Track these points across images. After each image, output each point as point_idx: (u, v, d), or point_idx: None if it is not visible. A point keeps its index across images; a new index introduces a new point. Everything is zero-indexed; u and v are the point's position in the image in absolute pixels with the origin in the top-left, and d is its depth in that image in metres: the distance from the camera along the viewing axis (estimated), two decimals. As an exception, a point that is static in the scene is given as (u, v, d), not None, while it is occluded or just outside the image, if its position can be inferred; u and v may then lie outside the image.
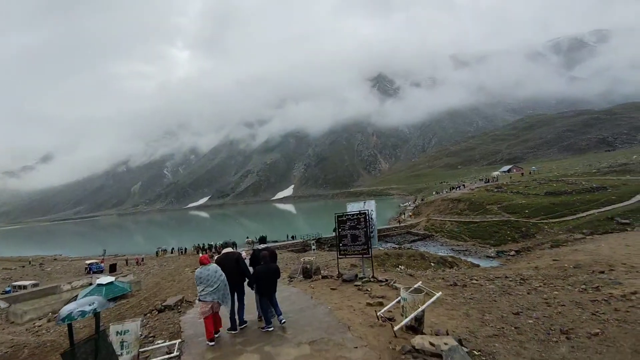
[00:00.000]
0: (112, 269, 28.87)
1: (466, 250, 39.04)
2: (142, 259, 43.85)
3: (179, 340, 5.82)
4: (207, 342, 5.84)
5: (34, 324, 13.35)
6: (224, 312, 6.37)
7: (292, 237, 48.03)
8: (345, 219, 9.93)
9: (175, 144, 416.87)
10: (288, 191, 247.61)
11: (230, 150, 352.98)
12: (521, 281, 9.29)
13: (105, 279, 17.84)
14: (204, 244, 46.41)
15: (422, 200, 75.89)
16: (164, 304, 10.93)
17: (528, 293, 8.09)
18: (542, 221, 39.68)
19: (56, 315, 15.99)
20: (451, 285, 8.58)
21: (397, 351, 4.26)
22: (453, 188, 79.75)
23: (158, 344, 5.99)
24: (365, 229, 9.40)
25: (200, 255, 6.93)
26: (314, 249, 39.39)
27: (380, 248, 40.71)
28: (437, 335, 4.59)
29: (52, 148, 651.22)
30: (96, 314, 3.84)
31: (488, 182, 74.61)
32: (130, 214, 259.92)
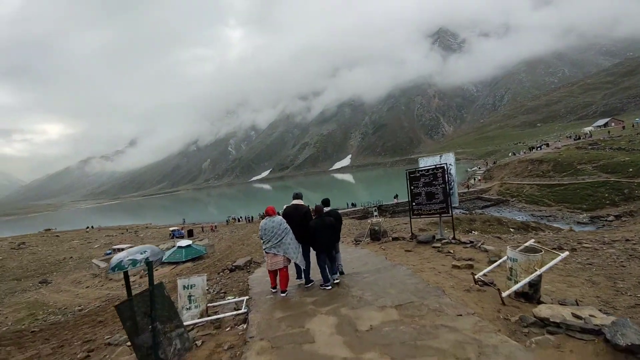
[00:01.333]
0: (190, 234, 31.92)
1: (550, 216, 34.61)
2: (216, 226, 47.87)
3: (247, 297, 5.61)
4: (271, 289, 5.79)
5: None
6: (292, 272, 6.12)
7: (353, 205, 47.76)
8: (418, 175, 8.76)
9: (237, 122, 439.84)
10: (346, 161, 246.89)
11: (287, 124, 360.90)
12: (652, 244, 7.38)
13: (184, 242, 19.63)
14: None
15: (495, 163, 68.89)
16: (234, 264, 11.30)
17: (664, 256, 6.34)
18: (651, 181, 33.09)
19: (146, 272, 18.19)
20: (555, 249, 7.09)
21: (513, 322, 3.33)
22: (533, 148, 70.76)
23: (228, 299, 5.95)
24: (443, 185, 8.18)
25: None
26: (375, 216, 38.58)
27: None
28: (564, 305, 3.53)
29: (136, 134, 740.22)
30: (149, 264, 3.37)
31: (579, 139, 64.34)
32: (204, 188, 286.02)
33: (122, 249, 27.91)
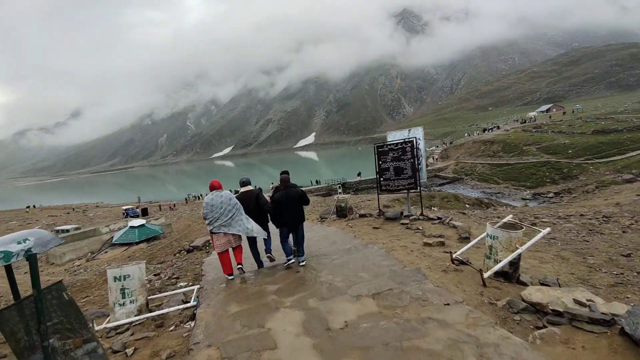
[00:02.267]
0: (144, 213, 29.81)
1: (499, 193, 37.14)
2: (174, 204, 45.54)
3: (197, 286, 4.83)
4: (227, 277, 5.09)
5: (72, 264, 13.73)
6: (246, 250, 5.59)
7: (317, 182, 47.67)
8: (386, 149, 8.41)
9: (195, 95, 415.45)
10: (310, 139, 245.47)
11: (249, 99, 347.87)
12: (604, 219, 7.78)
13: (137, 221, 18.12)
14: (230, 190, 47.08)
15: (451, 143, 72.12)
16: (192, 244, 10.52)
17: (624, 232, 6.70)
18: (586, 162, 36.44)
19: (94, 254, 16.62)
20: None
21: (500, 307, 3.04)
22: (485, 130, 74.83)
23: (180, 286, 5.23)
24: (412, 160, 7.92)
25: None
26: (340, 193, 38.83)
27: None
28: (546, 284, 3.36)
29: (79, 104, 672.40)
30: (30, 258, 2.16)
31: (525, 122, 69.07)
32: (161, 165, 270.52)
33: (67, 230, 25.41)
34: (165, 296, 4.66)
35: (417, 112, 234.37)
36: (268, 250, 5.50)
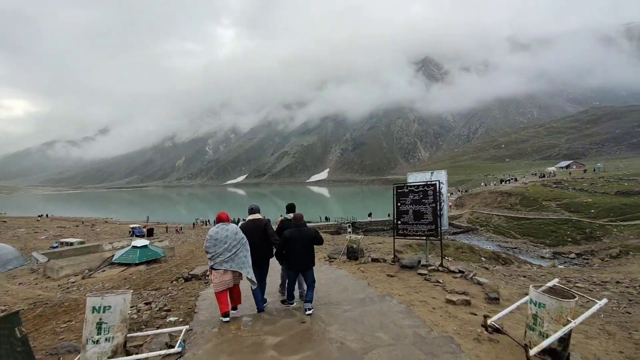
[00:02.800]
0: (150, 234, 29.47)
1: (515, 248, 35.40)
2: (181, 227, 45.30)
3: (186, 327, 4.24)
4: (221, 319, 4.53)
5: (68, 279, 13.31)
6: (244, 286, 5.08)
7: (326, 219, 46.92)
8: (406, 190, 7.95)
9: (218, 122, 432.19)
10: (323, 174, 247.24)
11: (268, 131, 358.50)
12: (644, 288, 6.98)
13: (140, 241, 17.80)
14: (239, 219, 46.81)
15: (466, 191, 70.86)
16: (191, 272, 10.01)
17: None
18: (610, 223, 34.80)
19: (92, 272, 16.19)
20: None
21: None
22: (503, 181, 73.55)
23: (170, 322, 4.73)
24: (433, 205, 7.44)
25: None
26: (349, 232, 37.87)
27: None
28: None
29: (109, 121, 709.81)
30: None
31: (543, 177, 67.75)
32: (175, 187, 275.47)
33: (71, 243, 25.30)
34: (149, 335, 4.11)
35: (433, 157, 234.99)
36: (260, 295, 5.03)
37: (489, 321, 3.72)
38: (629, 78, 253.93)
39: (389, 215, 46.12)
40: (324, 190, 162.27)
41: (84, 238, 32.30)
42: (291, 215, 5.77)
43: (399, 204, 8.02)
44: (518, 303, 3.89)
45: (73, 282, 12.54)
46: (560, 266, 25.54)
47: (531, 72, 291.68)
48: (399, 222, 7.97)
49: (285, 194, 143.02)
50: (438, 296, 5.29)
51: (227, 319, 4.56)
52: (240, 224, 5.01)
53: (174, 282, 9.65)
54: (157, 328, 4.50)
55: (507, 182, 69.37)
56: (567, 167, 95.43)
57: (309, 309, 4.72)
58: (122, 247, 19.21)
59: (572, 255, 31.07)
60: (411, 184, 8.03)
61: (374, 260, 8.77)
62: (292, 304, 5.02)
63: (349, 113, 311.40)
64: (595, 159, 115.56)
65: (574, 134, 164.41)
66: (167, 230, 43.92)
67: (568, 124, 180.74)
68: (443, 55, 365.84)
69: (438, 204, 7.44)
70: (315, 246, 4.91)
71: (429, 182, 7.76)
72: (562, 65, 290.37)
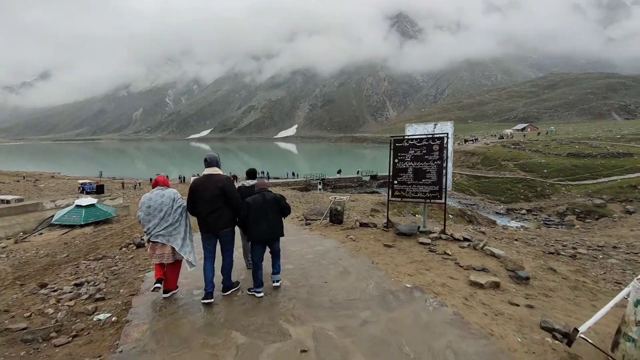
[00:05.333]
0: (99, 191, 26.62)
1: (474, 205, 37.42)
2: (139, 183, 42.69)
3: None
4: (155, 283, 3.72)
5: (-2, 243, 11.68)
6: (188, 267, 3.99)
7: (293, 174, 46.28)
8: (406, 145, 6.80)
9: (178, 72, 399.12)
10: (291, 131, 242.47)
11: (234, 83, 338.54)
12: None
13: (85, 200, 15.95)
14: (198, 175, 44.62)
15: (431, 151, 72.83)
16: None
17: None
18: (559, 182, 37.47)
19: (26, 235, 14.44)
20: (552, 254, 6.16)
21: None
22: (467, 141, 76.22)
23: (97, 320, 3.61)
24: (439, 162, 6.42)
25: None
26: (320, 189, 37.64)
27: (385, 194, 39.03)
28: None
29: (49, 65, 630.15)
30: None
31: (502, 138, 71.00)
32: (133, 140, 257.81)
33: (7, 201, 22.54)
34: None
35: (400, 116, 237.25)
36: (227, 278, 3.96)
37: (579, 334, 2.52)
38: (590, 47, 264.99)
39: (357, 172, 46.40)
40: (291, 147, 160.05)
41: (24, 195, 29.13)
42: (250, 182, 4.83)
43: (396, 161, 6.94)
44: (615, 300, 2.72)
45: (3, 248, 10.96)
46: (501, 221, 27.29)
47: (501, 35, 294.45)
48: (395, 181, 6.93)
49: (251, 150, 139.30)
50: (456, 275, 4.44)
51: (159, 285, 3.72)
52: (192, 181, 3.96)
53: (123, 249, 8.53)
54: (71, 337, 3.26)
55: (471, 142, 71.93)
56: (523, 129, 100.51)
57: (277, 281, 4.07)
58: (67, 206, 17.27)
59: (523, 212, 33.40)
60: (413, 137, 6.90)
61: (363, 225, 7.81)
62: (260, 292, 3.98)
63: (319, 68, 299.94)
64: (548, 123, 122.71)
65: (532, 98, 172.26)
66: (123, 186, 41.15)
67: (527, 89, 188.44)
68: (417, 12, 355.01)
69: (444, 161, 6.48)
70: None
71: (434, 135, 6.67)
72: (530, 30, 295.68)
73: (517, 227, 13.54)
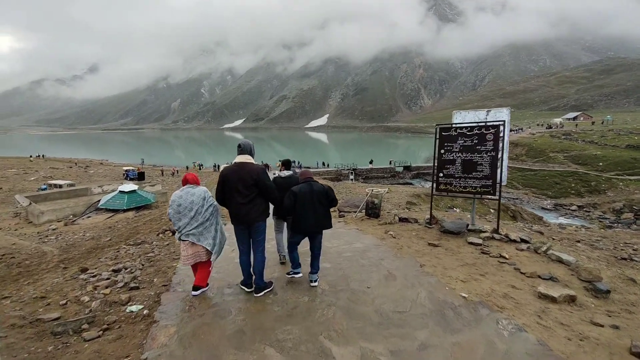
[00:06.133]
0: (140, 177, 27.98)
1: (517, 199, 35.05)
2: (177, 170, 44.43)
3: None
4: (192, 293, 3.69)
5: (49, 226, 12.47)
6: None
7: (324, 164, 45.94)
8: (455, 134, 6.09)
9: (213, 62, 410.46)
10: (322, 120, 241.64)
11: (266, 73, 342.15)
12: None
13: (127, 186, 16.69)
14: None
15: (469, 141, 69.12)
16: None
17: None
18: (617, 177, 34.02)
19: (75, 218, 15.38)
20: (624, 259, 5.32)
21: None
22: (511, 131, 71.62)
23: (130, 312, 3.49)
24: (493, 153, 5.68)
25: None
26: (351, 179, 37.02)
27: (425, 186, 37.55)
28: None
29: (97, 59, 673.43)
30: None
31: (550, 128, 65.76)
32: (172, 129, 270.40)
33: (60, 186, 24.32)
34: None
35: (436, 104, 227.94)
36: (259, 277, 3.70)
37: None
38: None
39: (390, 163, 45.13)
40: (322, 136, 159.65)
41: (75, 180, 31.34)
42: (286, 172, 4.64)
43: (442, 151, 6.23)
44: None
45: (54, 230, 11.68)
46: (549, 217, 25.23)
47: (551, 16, 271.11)
48: (441, 174, 6.25)
49: (283, 139, 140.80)
50: (519, 284, 3.76)
51: (197, 293, 3.69)
52: (222, 169, 3.71)
53: (161, 235, 8.71)
54: (102, 330, 3.13)
55: (515, 132, 67.45)
56: (575, 118, 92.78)
57: (315, 280, 3.78)
58: (113, 191, 18.23)
59: (574, 208, 30.79)
60: (462, 125, 6.14)
61: (403, 220, 7.18)
62: (299, 273, 4.02)
63: (352, 56, 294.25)
64: (603, 112, 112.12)
65: (585, 84, 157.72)
66: (162, 173, 43.05)
67: (580, 74, 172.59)
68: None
69: (500, 152, 5.70)
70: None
71: (487, 123, 5.85)
72: (584, 10, 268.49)
73: (577, 226, 12.22)
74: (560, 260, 4.41)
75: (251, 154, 3.66)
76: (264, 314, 3.14)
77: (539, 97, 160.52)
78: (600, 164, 35.68)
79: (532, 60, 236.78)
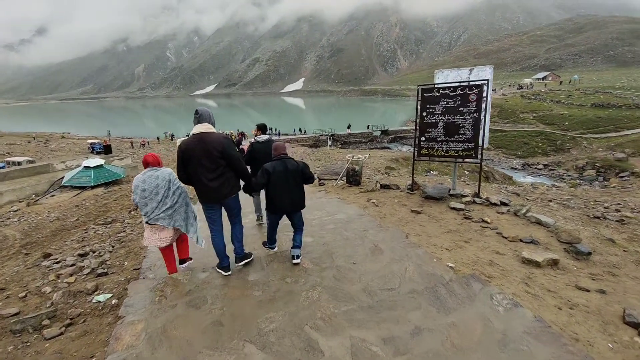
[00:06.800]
0: (107, 151, 26.26)
1: (488, 159, 36.30)
2: (148, 142, 42.34)
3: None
4: (180, 267, 3.68)
5: (11, 207, 11.57)
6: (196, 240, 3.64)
7: (300, 130, 45.09)
8: (437, 95, 5.78)
9: (176, 22, 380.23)
10: (298, 84, 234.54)
11: (236, 33, 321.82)
12: None
13: (93, 161, 15.62)
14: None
15: (445, 103, 69.66)
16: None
17: None
18: (581, 135, 35.69)
19: (38, 198, 14.40)
20: (597, 218, 5.45)
21: None
22: (482, 92, 72.53)
23: (97, 302, 3.26)
24: (476, 114, 5.45)
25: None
26: (330, 145, 36.67)
27: (402, 150, 37.88)
28: None
29: (45, 19, 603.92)
30: None
31: (521, 88, 67.08)
32: (138, 98, 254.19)
33: (19, 163, 22.51)
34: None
35: (412, 66, 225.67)
36: (239, 247, 3.57)
37: None
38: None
39: (367, 128, 44.94)
40: (299, 102, 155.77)
41: (35, 156, 29.20)
42: (264, 137, 4.53)
43: (424, 114, 5.93)
44: None
45: (16, 211, 10.85)
46: (517, 176, 26.43)
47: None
48: (423, 138, 6.01)
49: (259, 106, 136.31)
50: (502, 250, 3.73)
51: (183, 265, 3.70)
52: (180, 143, 3.25)
53: (133, 213, 8.28)
54: (64, 326, 2.85)
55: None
56: (544, 78, 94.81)
57: (297, 256, 3.63)
58: (77, 167, 17.06)
59: (540, 167, 32.34)
60: (444, 85, 5.81)
61: (384, 187, 7.08)
62: (274, 248, 3.97)
63: (327, 13, 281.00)
64: (571, 71, 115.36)
65: (555, 43, 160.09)
66: (132, 145, 40.84)
67: (551, 32, 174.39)
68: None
69: (483, 112, 5.46)
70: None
71: (471, 83, 5.55)
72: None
73: (548, 185, 12.75)
74: (539, 222, 4.50)
75: (211, 123, 3.30)
76: (244, 300, 2.94)
77: (512, 57, 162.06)
78: (566, 123, 37.16)
79: (506, 19, 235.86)
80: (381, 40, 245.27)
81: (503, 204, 5.40)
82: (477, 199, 5.61)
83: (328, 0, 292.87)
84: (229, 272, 3.44)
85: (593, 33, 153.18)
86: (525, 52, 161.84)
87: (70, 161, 19.66)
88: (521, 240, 3.99)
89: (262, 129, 4.75)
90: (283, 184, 3.46)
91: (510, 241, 3.99)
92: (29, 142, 45.72)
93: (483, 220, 4.66)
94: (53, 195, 12.75)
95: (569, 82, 72.23)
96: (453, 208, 5.26)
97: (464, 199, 5.63)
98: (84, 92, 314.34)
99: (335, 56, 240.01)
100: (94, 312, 3.11)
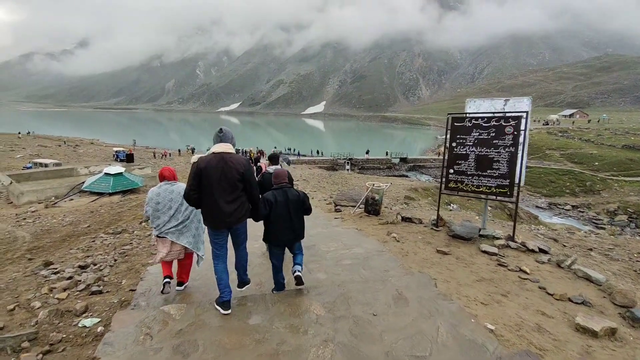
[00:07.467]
0: (129, 160, 27.05)
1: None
2: (170, 153, 43.43)
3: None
4: (176, 288, 3.64)
5: (29, 207, 11.73)
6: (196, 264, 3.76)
7: (318, 153, 45.20)
8: (469, 125, 5.37)
9: (208, 42, 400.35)
10: (319, 107, 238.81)
11: (264, 55, 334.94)
12: None
13: (113, 168, 15.89)
14: (237, 150, 43.72)
15: (466, 134, 68.79)
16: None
17: None
18: (612, 177, 34.01)
19: (57, 200, 14.64)
20: None
21: None
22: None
23: (82, 326, 2.98)
24: (512, 149, 4.99)
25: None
26: (347, 170, 36.37)
27: (421, 179, 37.08)
28: None
29: (87, 33, 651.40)
30: None
31: (547, 124, 65.56)
32: (166, 111, 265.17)
33: (45, 165, 23.32)
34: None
35: (434, 96, 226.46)
36: (242, 273, 3.37)
37: None
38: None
39: (386, 154, 44.59)
40: (319, 124, 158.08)
41: (63, 159, 30.30)
42: (275, 167, 4.42)
43: (453, 144, 5.54)
44: None
45: (33, 212, 10.98)
46: (543, 216, 25.07)
47: (553, 7, 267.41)
48: (452, 170, 5.58)
49: (280, 126, 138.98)
50: (549, 310, 3.21)
51: (169, 280, 3.47)
52: (198, 160, 3.01)
53: (144, 224, 8.11)
54: (41, 354, 2.58)
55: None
56: (571, 115, 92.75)
57: (299, 271, 3.40)
58: (100, 173, 17.39)
59: (568, 207, 30.81)
60: (477, 115, 5.42)
61: (405, 219, 6.58)
62: (282, 290, 3.67)
63: (351, 41, 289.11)
64: (599, 110, 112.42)
65: (582, 81, 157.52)
66: (154, 155, 41.98)
67: (578, 70, 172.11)
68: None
69: (520, 146, 5.02)
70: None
71: (507, 114, 5.14)
72: (586, 3, 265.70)
73: (585, 231, 11.87)
74: (588, 278, 3.91)
75: (232, 143, 3.13)
76: (240, 352, 2.48)
77: (537, 92, 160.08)
78: (596, 163, 35.62)
79: (531, 54, 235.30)
80: (404, 69, 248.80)
81: (542, 251, 4.83)
82: (511, 243, 5.05)
83: (353, 28, 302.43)
84: (229, 311, 3.06)
85: (622, 73, 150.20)
86: (551, 88, 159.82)
87: (94, 167, 20.19)
88: (570, 300, 3.43)
89: (273, 160, 4.66)
90: (285, 215, 3.30)
91: (557, 299, 3.45)
92: (60, 145, 47.81)
93: (521, 270, 4.13)
94: (72, 199, 12.90)
95: (598, 121, 70.27)
96: (485, 251, 4.74)
97: (496, 242, 5.09)
98: (117, 103, 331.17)
99: (357, 82, 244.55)
100: (77, 339, 2.82)
